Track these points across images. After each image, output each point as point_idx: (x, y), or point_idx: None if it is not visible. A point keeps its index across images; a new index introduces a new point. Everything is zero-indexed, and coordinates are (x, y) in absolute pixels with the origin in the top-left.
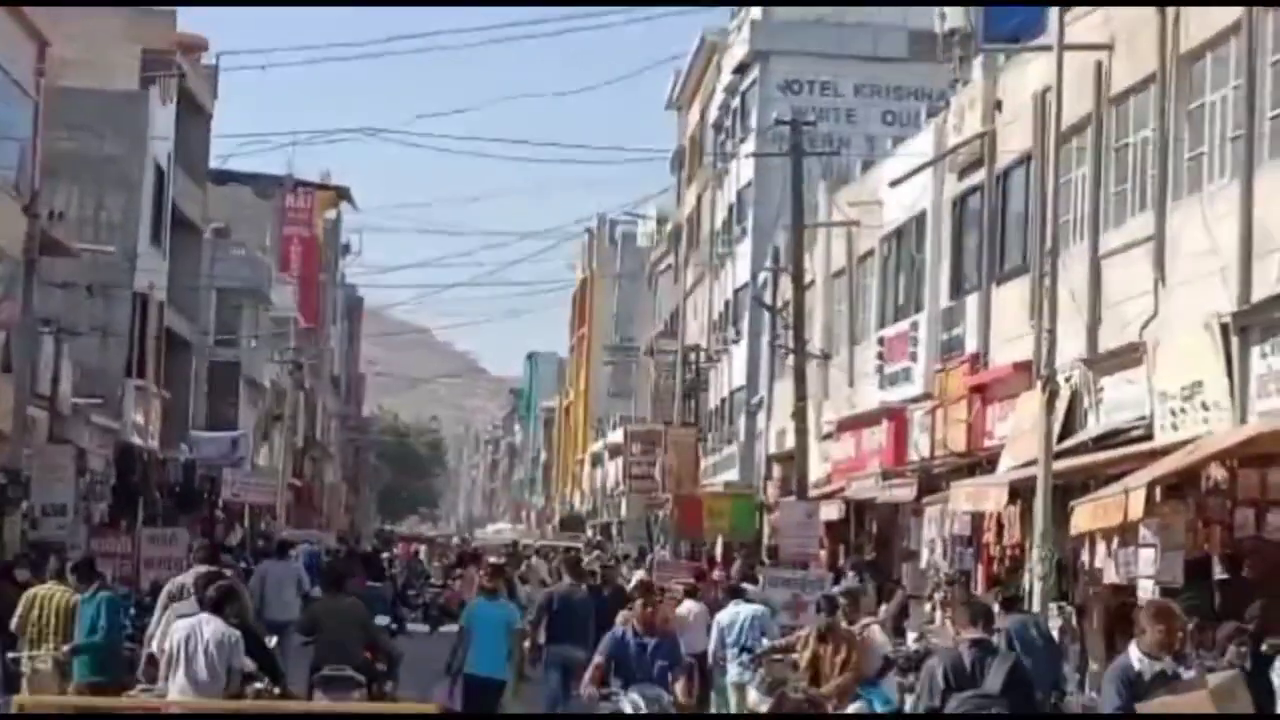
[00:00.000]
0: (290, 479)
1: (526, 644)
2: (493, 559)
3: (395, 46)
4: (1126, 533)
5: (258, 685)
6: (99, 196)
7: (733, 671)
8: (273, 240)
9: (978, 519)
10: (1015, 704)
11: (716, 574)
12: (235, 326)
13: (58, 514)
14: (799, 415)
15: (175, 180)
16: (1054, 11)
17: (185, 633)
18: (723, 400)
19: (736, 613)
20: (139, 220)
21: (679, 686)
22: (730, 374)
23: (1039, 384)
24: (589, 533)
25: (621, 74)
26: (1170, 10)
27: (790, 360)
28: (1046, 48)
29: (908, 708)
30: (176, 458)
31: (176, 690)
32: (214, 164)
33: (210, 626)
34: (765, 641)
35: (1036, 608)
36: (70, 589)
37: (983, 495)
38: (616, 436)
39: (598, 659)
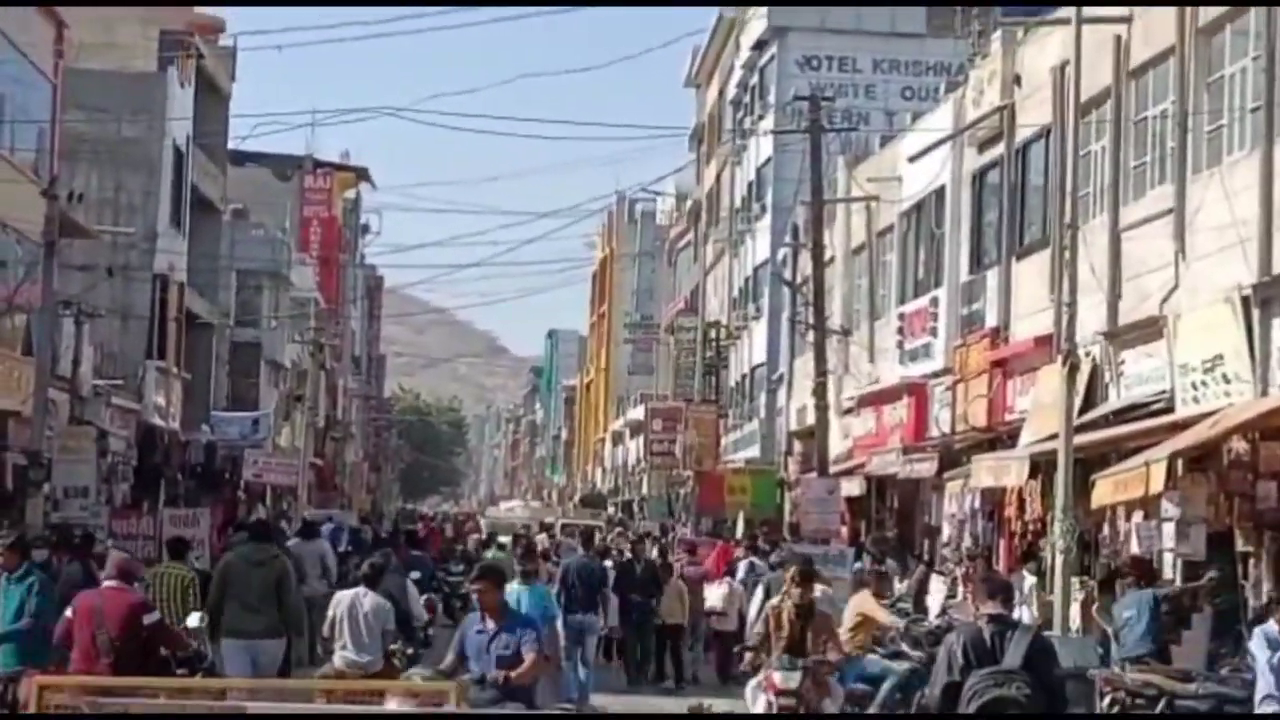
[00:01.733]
0: (311, 459)
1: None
2: (525, 536)
3: (405, 26)
4: (1148, 506)
5: (395, 646)
6: (118, 178)
7: None
8: (292, 221)
9: (999, 494)
10: (1037, 678)
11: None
12: (256, 307)
13: (80, 495)
14: (819, 391)
15: (194, 161)
16: None
17: (348, 603)
18: (743, 377)
19: None
20: (158, 202)
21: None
22: (751, 350)
23: (1059, 358)
24: (610, 510)
25: (636, 51)
26: None
27: (810, 336)
28: (1065, 21)
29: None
30: (198, 439)
31: (340, 653)
32: (232, 145)
33: (368, 598)
34: None
35: (1058, 581)
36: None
37: (1004, 470)
38: (637, 414)
39: (450, 654)
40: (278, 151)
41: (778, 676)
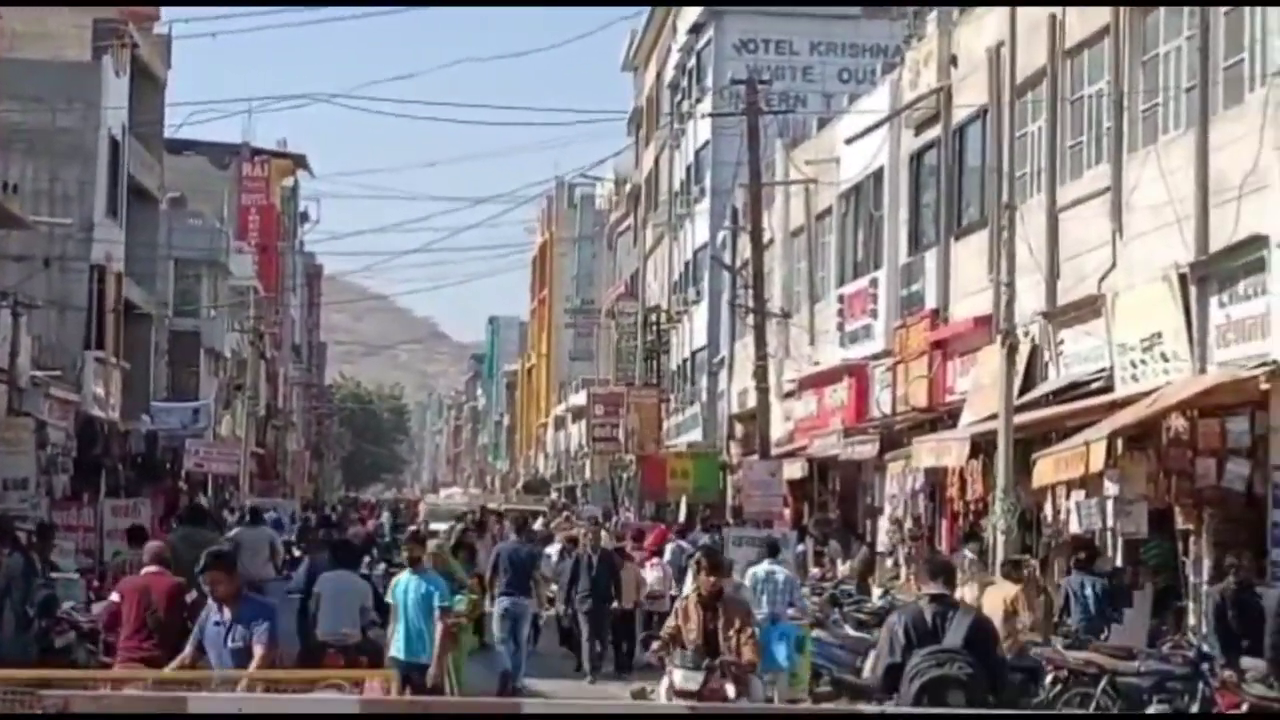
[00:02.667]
0: (253, 448)
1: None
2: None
3: (343, 11)
4: (1089, 484)
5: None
6: (53, 169)
7: None
8: (230, 209)
9: (940, 474)
10: (978, 658)
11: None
12: (195, 296)
13: (19, 487)
14: (760, 374)
15: (130, 150)
16: None
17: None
18: (684, 360)
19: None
20: (95, 192)
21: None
22: (691, 334)
23: (999, 338)
24: (553, 495)
25: (575, 36)
26: None
27: (751, 319)
28: (1000, 2)
29: (867, 664)
30: (138, 429)
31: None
32: (168, 133)
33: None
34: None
35: (1000, 560)
36: None
37: (944, 450)
38: (579, 399)
39: (189, 646)
40: (215, 140)
41: (678, 676)
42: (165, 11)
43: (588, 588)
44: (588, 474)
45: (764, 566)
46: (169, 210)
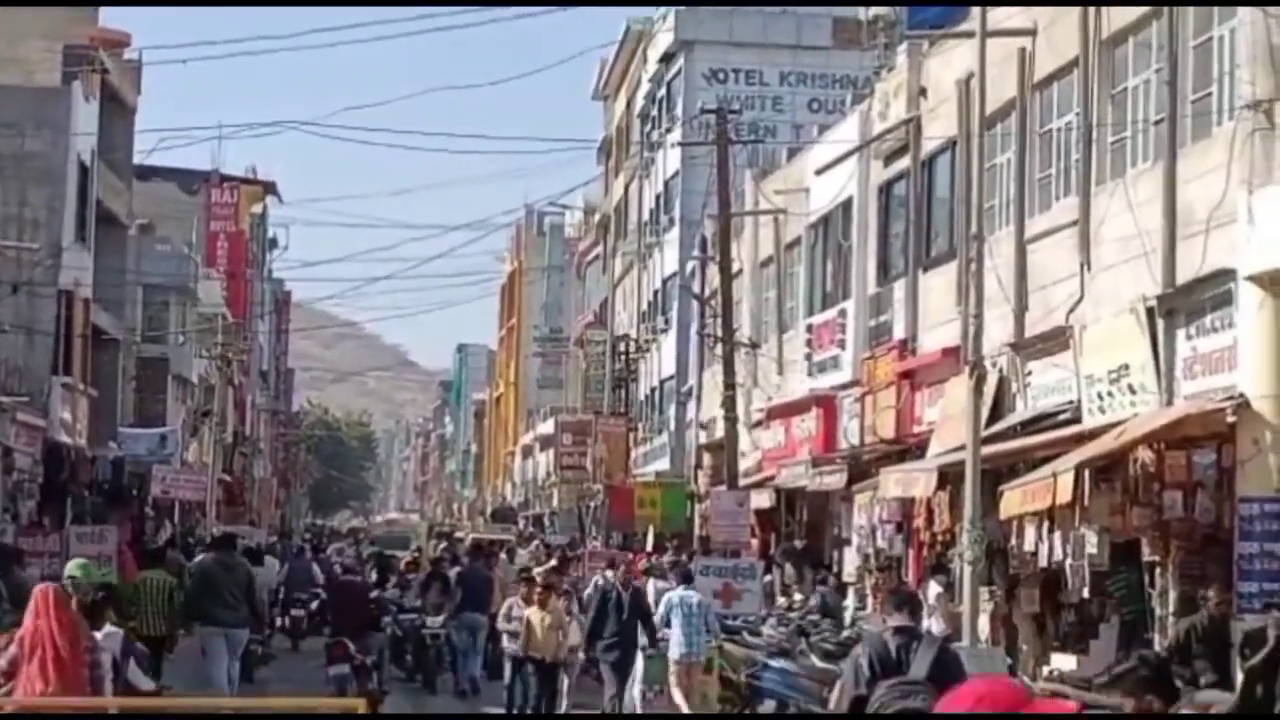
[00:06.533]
0: (220, 475)
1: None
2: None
3: (314, 40)
4: (1055, 516)
5: None
6: (22, 193)
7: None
8: (199, 235)
9: (908, 505)
10: (942, 689)
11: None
12: (163, 322)
13: None
14: (728, 404)
15: (99, 176)
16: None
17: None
18: (653, 390)
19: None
20: (63, 217)
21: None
22: (660, 363)
23: (967, 369)
24: (520, 524)
25: (545, 64)
26: None
27: (719, 349)
28: (969, 34)
29: (833, 696)
30: (105, 455)
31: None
32: (138, 159)
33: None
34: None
35: (966, 592)
36: None
37: (911, 481)
38: (547, 428)
39: None
40: (185, 166)
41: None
42: (136, 38)
43: (615, 631)
44: (555, 502)
45: (678, 593)
46: (138, 236)
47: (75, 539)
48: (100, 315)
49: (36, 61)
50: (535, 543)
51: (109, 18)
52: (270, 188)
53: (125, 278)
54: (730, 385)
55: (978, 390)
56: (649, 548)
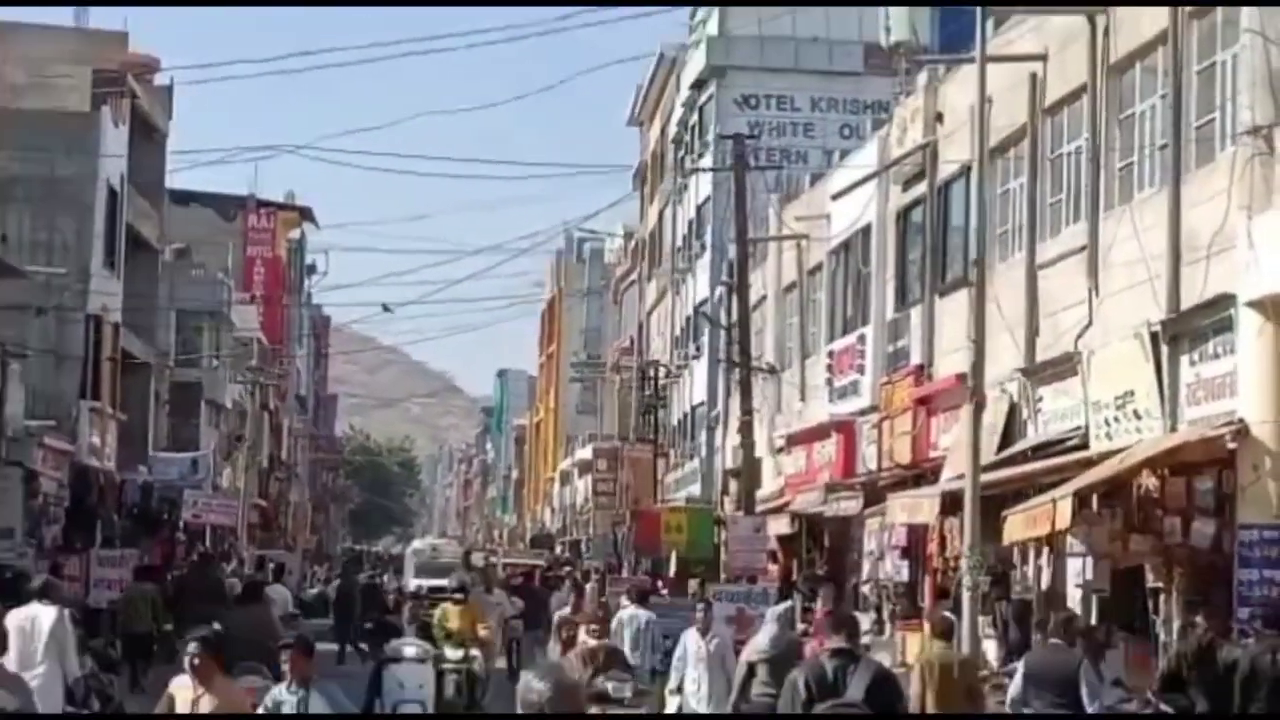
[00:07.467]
0: (254, 499)
1: None
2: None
3: (335, 58)
4: (1056, 542)
5: None
6: (51, 218)
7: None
8: (235, 260)
9: (921, 531)
10: (878, 710)
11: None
12: (196, 347)
13: (5, 537)
14: (745, 429)
15: (129, 201)
16: (979, 23)
17: None
18: (685, 415)
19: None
20: (92, 242)
21: None
22: (691, 389)
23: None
24: (559, 549)
25: (579, 82)
26: (1100, 20)
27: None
28: (970, 59)
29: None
30: (134, 479)
31: None
32: (167, 183)
33: None
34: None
35: (966, 616)
36: None
37: (917, 507)
38: (585, 454)
39: None
40: (222, 191)
41: None
42: (165, 60)
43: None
44: (591, 529)
45: (629, 611)
46: (171, 262)
47: (97, 562)
48: (131, 340)
49: (67, 88)
50: (567, 568)
51: (138, 43)
52: (306, 213)
53: (157, 303)
54: (747, 411)
55: (977, 417)
56: (672, 573)
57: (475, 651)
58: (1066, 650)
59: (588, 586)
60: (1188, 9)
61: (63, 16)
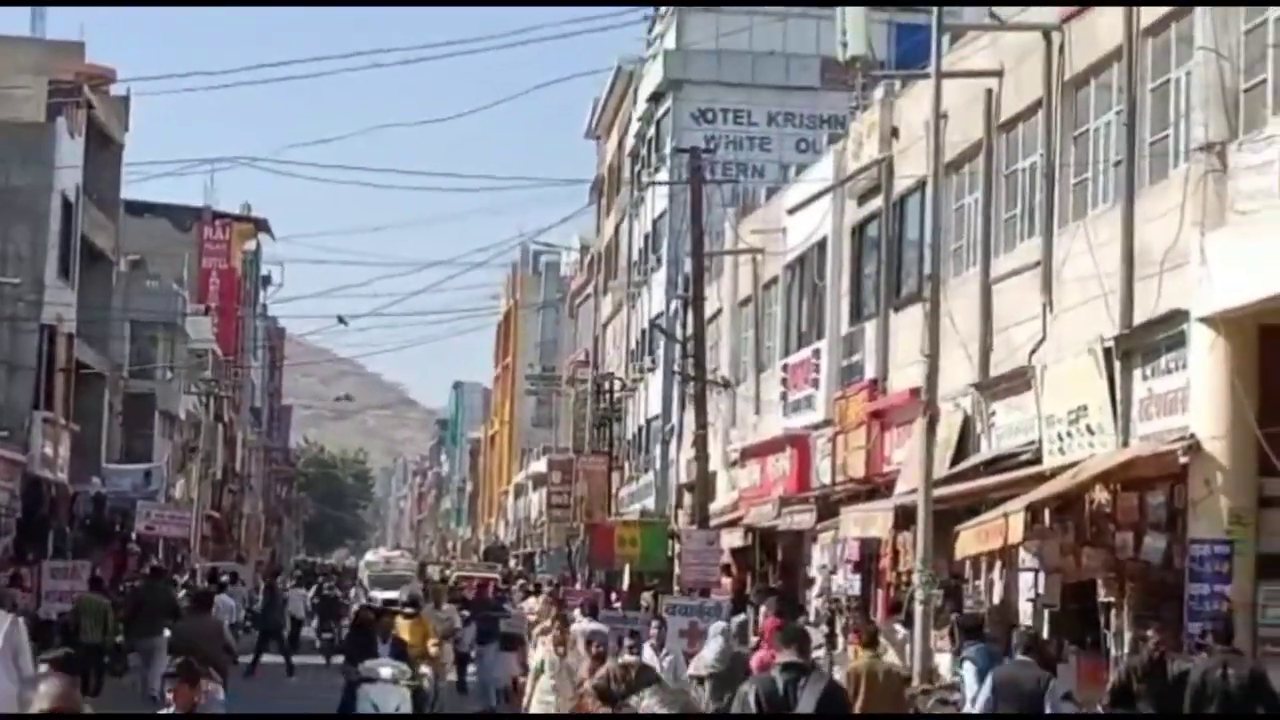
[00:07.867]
0: (208, 511)
1: None
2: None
3: (297, 70)
4: (1007, 556)
5: None
6: (5, 228)
7: None
8: (191, 272)
9: (875, 545)
10: None
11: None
12: (151, 358)
13: None
14: (699, 443)
15: (85, 212)
16: (934, 39)
17: None
18: (640, 429)
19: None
20: (46, 252)
21: None
22: (646, 403)
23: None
24: (512, 563)
25: (535, 97)
26: (1056, 36)
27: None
28: (925, 75)
29: None
30: (87, 490)
31: None
32: (122, 194)
33: None
34: None
35: (918, 630)
36: None
37: (870, 520)
38: (540, 466)
39: None
40: (177, 202)
41: None
42: (122, 72)
43: None
44: (545, 542)
45: (579, 625)
46: (126, 272)
47: (48, 574)
48: (85, 351)
49: (22, 97)
50: (520, 580)
51: (95, 54)
52: (262, 224)
53: (111, 313)
54: (701, 424)
55: (931, 431)
56: (625, 587)
57: (425, 669)
58: (1034, 666)
59: (540, 599)
60: (1142, 26)
61: (20, 26)
